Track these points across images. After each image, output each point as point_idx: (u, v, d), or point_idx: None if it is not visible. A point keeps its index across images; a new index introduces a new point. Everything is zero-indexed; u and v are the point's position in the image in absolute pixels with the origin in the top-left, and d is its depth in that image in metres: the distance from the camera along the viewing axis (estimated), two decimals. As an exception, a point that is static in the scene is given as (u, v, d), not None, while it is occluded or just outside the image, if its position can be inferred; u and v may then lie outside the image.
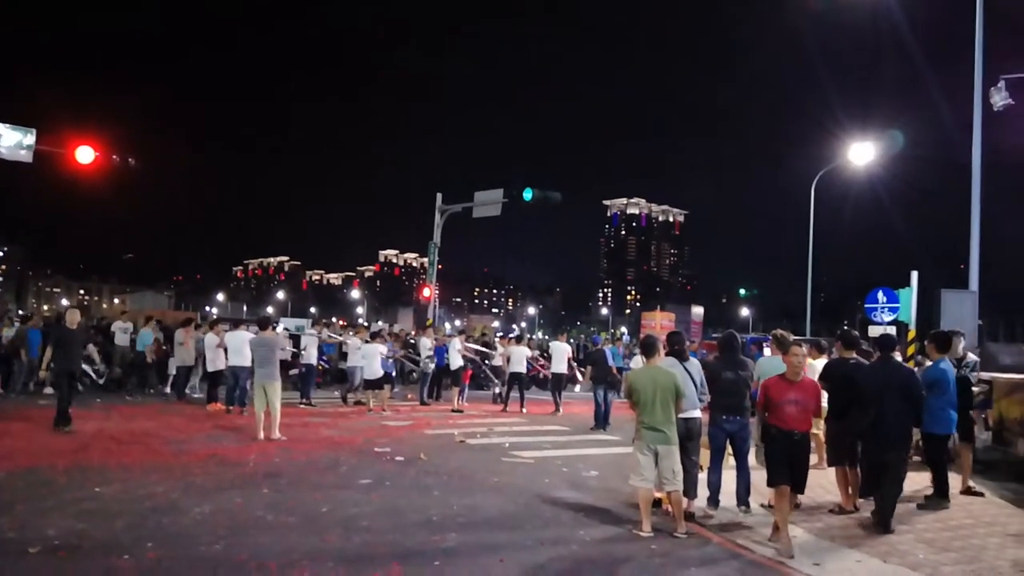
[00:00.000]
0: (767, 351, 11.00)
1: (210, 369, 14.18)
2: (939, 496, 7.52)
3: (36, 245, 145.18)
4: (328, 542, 5.64)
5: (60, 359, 10.48)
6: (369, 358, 14.56)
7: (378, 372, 14.49)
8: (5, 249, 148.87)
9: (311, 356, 15.55)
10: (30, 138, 15.10)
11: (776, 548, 5.78)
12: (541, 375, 20.41)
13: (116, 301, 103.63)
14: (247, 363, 12.53)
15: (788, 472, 5.95)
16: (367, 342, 15.16)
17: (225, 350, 13.53)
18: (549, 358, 17.63)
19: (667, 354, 7.04)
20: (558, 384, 15.81)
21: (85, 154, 15.79)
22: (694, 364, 7.04)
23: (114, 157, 16.44)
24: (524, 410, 15.33)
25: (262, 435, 10.26)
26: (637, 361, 9.11)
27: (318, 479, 7.99)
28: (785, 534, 5.78)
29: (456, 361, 15.81)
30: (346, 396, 15.72)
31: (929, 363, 8.32)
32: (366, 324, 28.85)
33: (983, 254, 13.97)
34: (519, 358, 15.62)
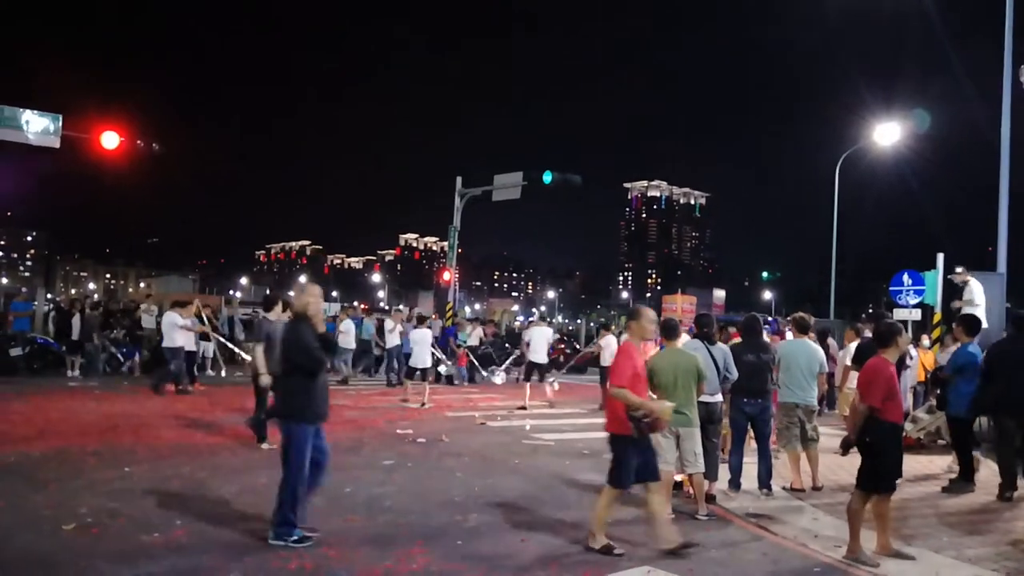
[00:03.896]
0: (789, 335, 10.88)
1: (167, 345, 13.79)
2: (964, 479, 7.45)
3: (63, 230, 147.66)
4: (352, 522, 5.72)
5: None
6: (420, 344, 13.37)
7: (426, 360, 13.43)
8: (33, 234, 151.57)
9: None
10: (57, 124, 15.31)
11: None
12: (561, 358, 20.43)
13: (142, 285, 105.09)
14: (177, 345, 13.17)
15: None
16: (415, 327, 14.40)
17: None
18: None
19: (694, 337, 7.01)
20: (530, 374, 14.51)
21: (110, 139, 15.97)
22: (720, 348, 6.96)
23: (138, 142, 16.62)
24: (551, 389, 14.36)
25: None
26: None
27: (341, 460, 8.03)
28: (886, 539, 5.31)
29: (423, 360, 13.52)
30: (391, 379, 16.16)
31: (955, 346, 8.23)
32: (401, 308, 28.99)
33: (1012, 235, 13.69)
34: (539, 343, 14.62)
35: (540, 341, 14.76)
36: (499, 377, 17.36)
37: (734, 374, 6.84)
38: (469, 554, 5.07)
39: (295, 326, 5.36)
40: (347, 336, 17.00)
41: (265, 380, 8.23)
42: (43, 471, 6.89)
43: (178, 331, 13.42)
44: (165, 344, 13.53)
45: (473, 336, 19.65)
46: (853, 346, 8.62)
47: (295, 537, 5.07)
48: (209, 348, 16.82)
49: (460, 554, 5.06)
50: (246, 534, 5.30)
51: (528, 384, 13.92)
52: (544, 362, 14.95)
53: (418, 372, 13.34)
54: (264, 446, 8.32)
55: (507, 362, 18.53)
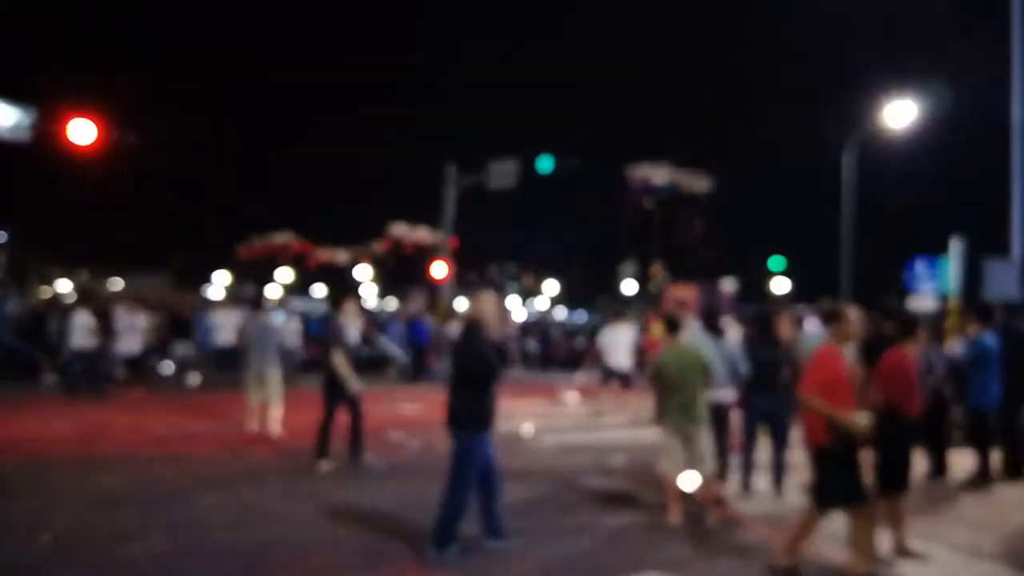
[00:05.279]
0: (807, 326, 10.83)
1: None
2: (982, 476, 7.50)
3: (33, 227, 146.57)
4: (341, 530, 5.73)
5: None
6: None
7: None
8: (5, 232, 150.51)
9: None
10: (29, 118, 15.20)
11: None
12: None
13: (117, 283, 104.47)
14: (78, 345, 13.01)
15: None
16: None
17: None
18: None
19: (702, 329, 7.01)
20: (608, 379, 14.14)
21: (83, 133, 15.87)
22: (730, 341, 6.94)
23: (112, 134, 16.53)
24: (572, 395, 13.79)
25: (255, 426, 9.68)
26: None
27: (337, 465, 8.09)
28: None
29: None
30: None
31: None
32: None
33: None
34: (619, 345, 13.67)
35: (620, 343, 13.87)
36: (571, 396, 14.62)
37: (743, 369, 6.84)
38: (462, 562, 5.08)
39: (471, 334, 5.32)
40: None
41: (356, 387, 7.88)
42: (18, 480, 6.88)
43: (86, 332, 13.25)
44: (74, 345, 13.24)
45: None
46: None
47: (452, 550, 5.09)
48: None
49: (452, 562, 5.07)
50: (230, 544, 5.31)
51: (605, 388, 13.18)
52: (626, 368, 14.12)
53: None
54: (325, 467, 7.80)
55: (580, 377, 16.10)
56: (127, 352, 14.45)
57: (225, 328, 15.52)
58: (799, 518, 4.99)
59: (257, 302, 10.65)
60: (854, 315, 5.04)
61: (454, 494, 5.16)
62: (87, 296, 15.69)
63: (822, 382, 4.73)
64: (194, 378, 15.83)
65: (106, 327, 14.78)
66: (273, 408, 9.63)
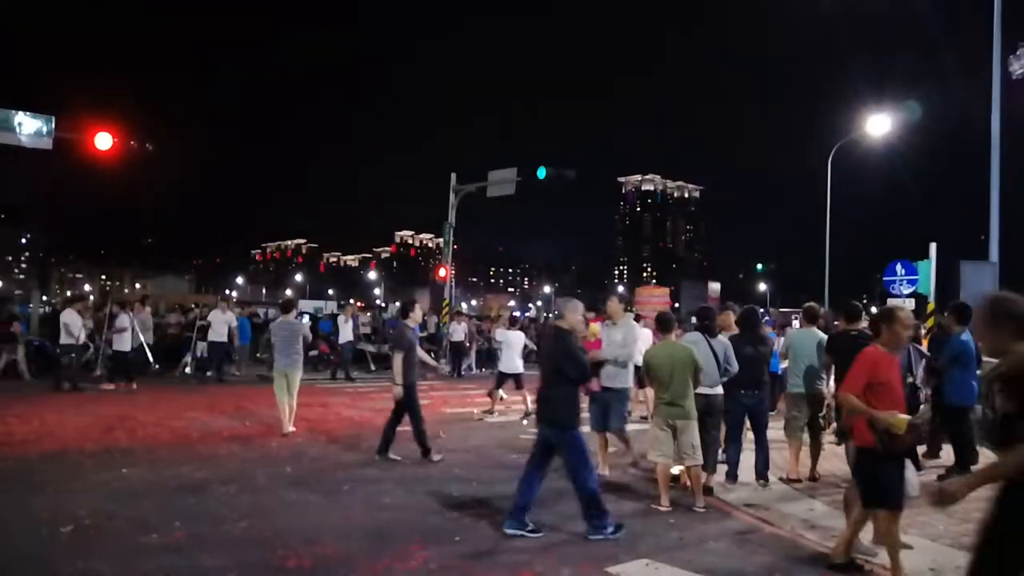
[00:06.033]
0: (795, 323, 10.88)
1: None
2: (960, 468, 7.47)
3: (57, 231, 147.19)
4: (351, 519, 5.71)
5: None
6: (512, 347, 12.14)
7: (518, 366, 12.00)
8: (28, 236, 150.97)
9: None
10: (50, 126, 15.23)
11: None
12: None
13: (137, 286, 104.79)
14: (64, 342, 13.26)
15: None
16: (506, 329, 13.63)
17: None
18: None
19: (695, 329, 6.99)
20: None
21: (103, 140, 15.91)
22: (721, 341, 6.94)
23: (131, 142, 16.56)
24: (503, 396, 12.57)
25: (291, 428, 9.48)
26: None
27: (340, 458, 8.08)
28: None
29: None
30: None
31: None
32: (351, 302, 28.96)
33: (1003, 224, 13.72)
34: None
35: (514, 345, 12.69)
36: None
37: (735, 367, 6.81)
38: (467, 551, 5.06)
39: (566, 339, 5.63)
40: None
41: (400, 391, 7.97)
42: (41, 474, 6.86)
43: (70, 330, 13.30)
44: (62, 341, 13.42)
45: (458, 331, 19.54)
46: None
47: (611, 528, 5.35)
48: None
49: (458, 551, 5.05)
50: (245, 533, 5.29)
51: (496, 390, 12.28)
52: (519, 369, 12.76)
53: (515, 378, 12.00)
54: (436, 457, 7.99)
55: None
56: (128, 348, 14.27)
57: (216, 328, 15.59)
58: (853, 515, 4.88)
59: (285, 305, 10.61)
60: (906, 316, 4.61)
61: (583, 482, 5.42)
62: (74, 298, 15.92)
63: (864, 385, 4.39)
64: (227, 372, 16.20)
65: (100, 326, 14.90)
66: (290, 408, 9.55)
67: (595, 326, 8.33)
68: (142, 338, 15.31)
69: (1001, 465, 2.89)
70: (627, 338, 7.63)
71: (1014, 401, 2.77)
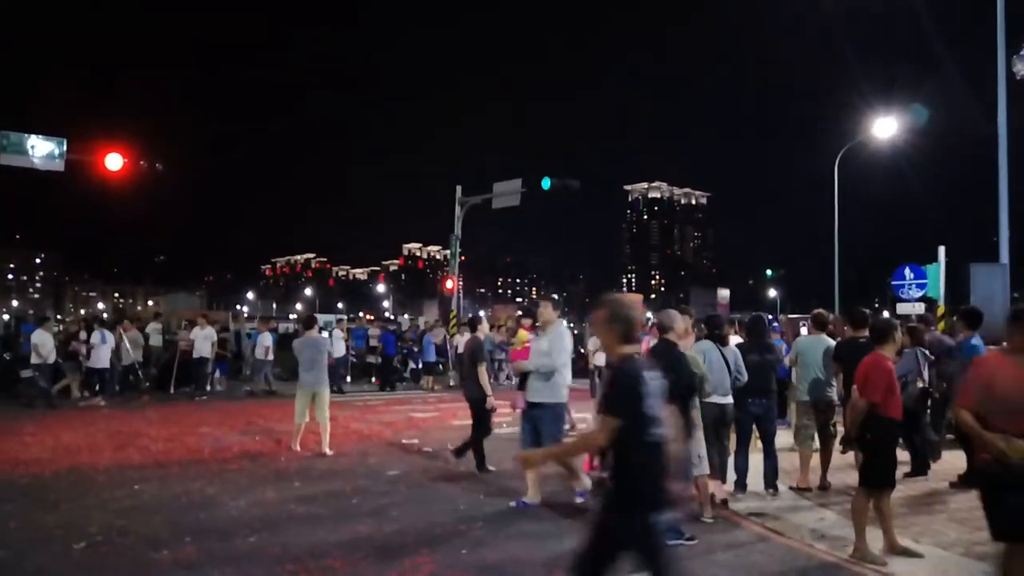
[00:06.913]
0: (804, 331, 10.83)
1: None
2: (971, 474, 7.40)
3: (71, 251, 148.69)
4: (359, 533, 5.72)
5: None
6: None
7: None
8: (42, 256, 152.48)
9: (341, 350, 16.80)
10: (62, 148, 15.41)
11: None
12: None
13: (150, 303, 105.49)
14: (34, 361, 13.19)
15: None
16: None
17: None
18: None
19: (705, 337, 6.97)
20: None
21: (114, 161, 16.07)
22: (731, 349, 6.89)
23: (141, 162, 16.73)
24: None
25: (298, 447, 9.26)
26: None
27: (348, 472, 8.09)
28: None
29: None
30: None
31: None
32: (344, 318, 28.98)
33: (1013, 225, 13.62)
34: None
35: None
36: None
37: (745, 376, 6.77)
38: (474, 563, 5.06)
39: (670, 351, 5.67)
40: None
41: (492, 402, 8.03)
42: (54, 491, 6.91)
43: (42, 349, 13.27)
44: (32, 360, 13.34)
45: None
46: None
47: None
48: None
49: (465, 563, 5.06)
50: (254, 548, 5.31)
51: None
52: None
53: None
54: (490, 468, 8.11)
55: None
56: (104, 366, 14.38)
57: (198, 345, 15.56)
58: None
59: (307, 321, 10.47)
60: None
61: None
62: (44, 318, 16.27)
63: (981, 399, 3.99)
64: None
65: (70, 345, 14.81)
66: (323, 427, 9.23)
67: (523, 333, 8.02)
68: (132, 356, 15.33)
69: None
70: (553, 346, 6.73)
71: None
